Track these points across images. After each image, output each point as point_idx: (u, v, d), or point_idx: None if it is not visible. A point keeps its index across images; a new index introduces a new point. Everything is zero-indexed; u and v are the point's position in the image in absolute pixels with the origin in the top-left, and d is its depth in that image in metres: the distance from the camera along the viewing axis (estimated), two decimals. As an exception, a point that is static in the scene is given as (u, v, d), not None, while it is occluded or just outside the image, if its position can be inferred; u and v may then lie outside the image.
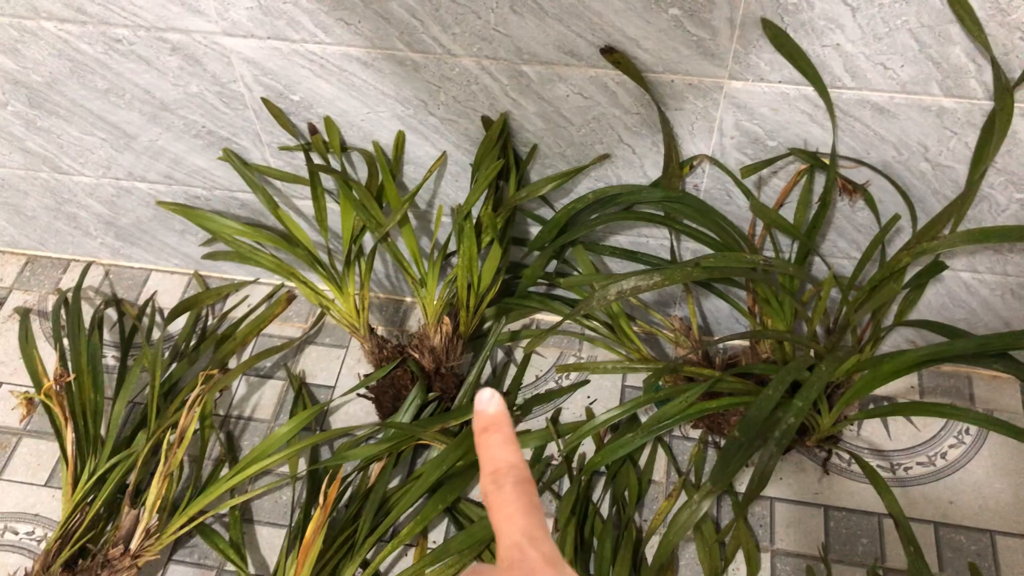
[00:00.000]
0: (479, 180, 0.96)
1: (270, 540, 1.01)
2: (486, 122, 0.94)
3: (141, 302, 1.23)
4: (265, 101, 0.97)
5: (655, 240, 1.03)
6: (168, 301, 1.23)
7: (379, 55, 0.89)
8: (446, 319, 1.06)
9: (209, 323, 1.20)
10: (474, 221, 0.99)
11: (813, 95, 0.83)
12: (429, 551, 1.00)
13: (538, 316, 1.19)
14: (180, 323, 1.19)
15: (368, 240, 1.06)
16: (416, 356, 1.06)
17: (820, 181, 0.92)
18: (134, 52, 0.94)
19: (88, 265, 1.24)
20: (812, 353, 0.92)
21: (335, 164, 1.02)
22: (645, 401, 0.96)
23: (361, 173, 1.03)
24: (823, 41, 0.79)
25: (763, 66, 0.82)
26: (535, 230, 1.07)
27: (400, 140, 0.99)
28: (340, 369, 1.16)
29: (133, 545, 0.95)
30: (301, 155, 1.03)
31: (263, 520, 1.03)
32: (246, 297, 1.23)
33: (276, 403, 1.13)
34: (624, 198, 0.95)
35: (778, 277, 0.96)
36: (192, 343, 1.17)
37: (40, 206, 1.20)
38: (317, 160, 1.00)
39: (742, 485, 1.03)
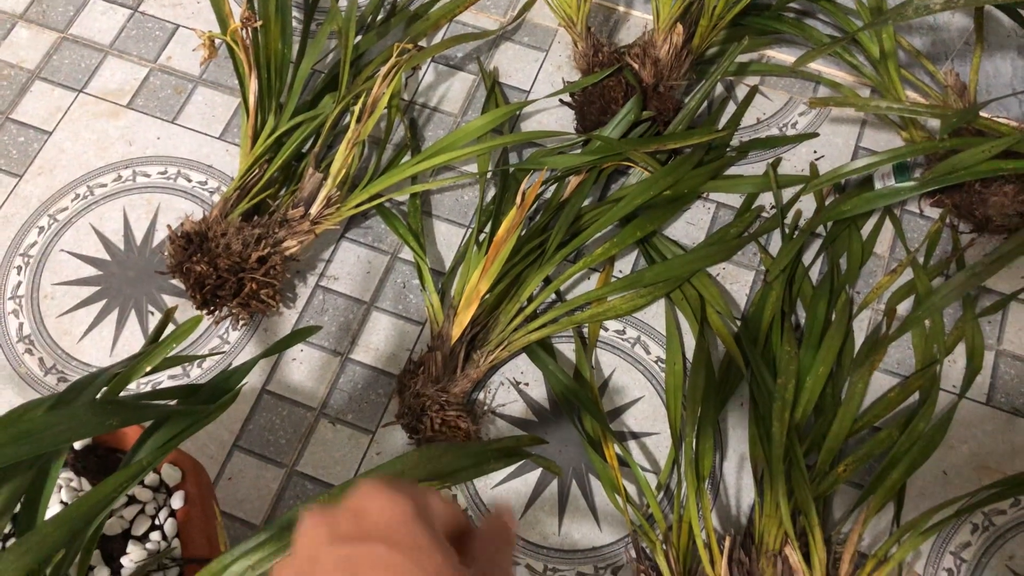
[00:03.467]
0: None
1: (447, 237, 0.94)
2: None
3: (326, -34, 1.11)
4: None
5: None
6: (355, -31, 1.10)
7: None
8: (678, 27, 0.91)
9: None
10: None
11: None
12: (614, 279, 0.93)
13: (770, 52, 1.03)
14: (367, -6, 1.07)
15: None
16: (635, 66, 0.93)
17: None
18: None
19: (273, -86, 1.11)
20: None
21: None
22: (908, 152, 0.82)
23: None
24: None
25: None
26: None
27: None
28: (537, 73, 1.03)
29: (313, 210, 0.89)
30: None
31: (442, 216, 0.95)
32: (441, -23, 1.09)
33: (464, 98, 1.02)
34: None
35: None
36: (379, 17, 1.05)
37: None
38: None
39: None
